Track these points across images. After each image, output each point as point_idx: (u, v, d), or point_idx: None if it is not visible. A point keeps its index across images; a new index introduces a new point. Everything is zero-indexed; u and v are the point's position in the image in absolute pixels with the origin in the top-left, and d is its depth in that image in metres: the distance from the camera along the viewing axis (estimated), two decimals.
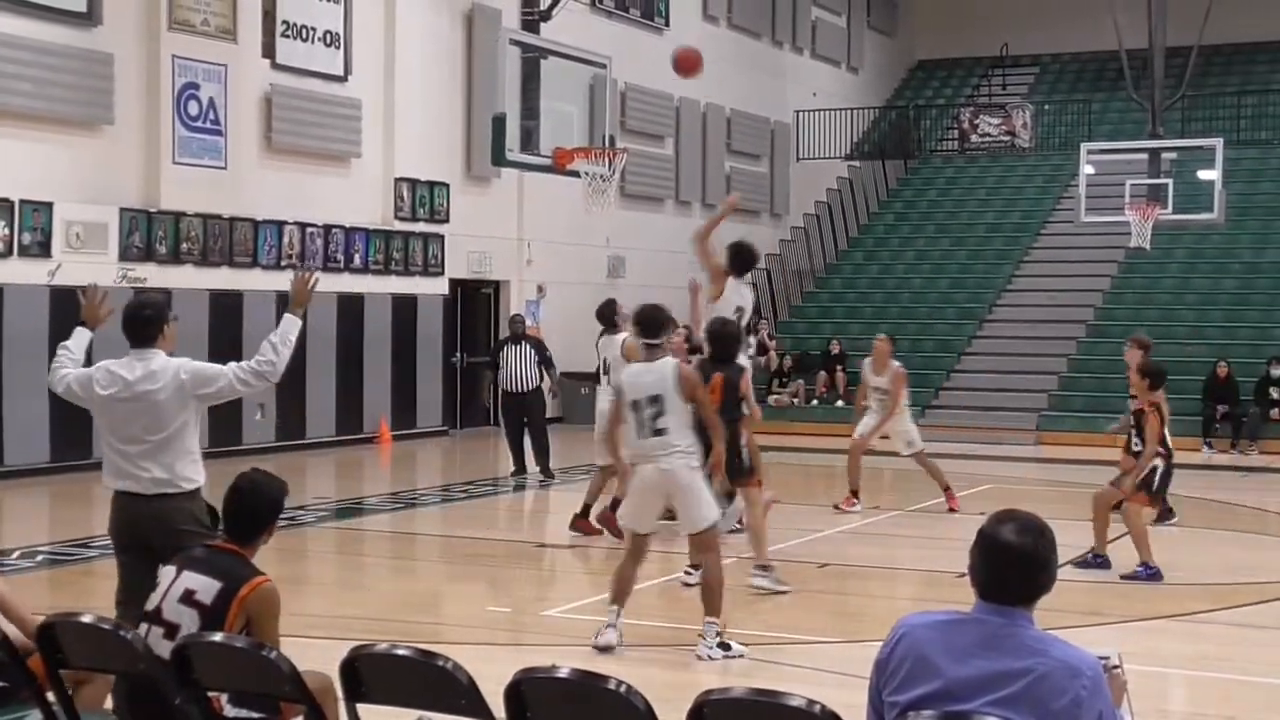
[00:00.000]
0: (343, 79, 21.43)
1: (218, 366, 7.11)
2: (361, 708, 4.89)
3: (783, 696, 4.08)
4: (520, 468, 17.61)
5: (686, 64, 14.73)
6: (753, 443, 11.03)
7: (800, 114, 32.82)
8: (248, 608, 5.24)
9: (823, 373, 25.87)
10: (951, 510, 14.83)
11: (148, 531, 6.89)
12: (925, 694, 3.91)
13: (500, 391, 18.06)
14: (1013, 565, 3.96)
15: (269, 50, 20.29)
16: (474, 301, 24.54)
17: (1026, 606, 3.97)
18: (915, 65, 38.49)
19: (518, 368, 17.35)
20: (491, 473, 19.57)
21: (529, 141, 15.41)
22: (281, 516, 5.70)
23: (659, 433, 8.81)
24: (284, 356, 7.07)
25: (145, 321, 7.19)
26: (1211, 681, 8.70)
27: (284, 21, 20.43)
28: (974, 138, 32.89)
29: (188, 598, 5.27)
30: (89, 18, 17.92)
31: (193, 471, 6.98)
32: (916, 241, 30.83)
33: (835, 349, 25.95)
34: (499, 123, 15.05)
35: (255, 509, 5.54)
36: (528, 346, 17.64)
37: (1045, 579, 3.97)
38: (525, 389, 17.36)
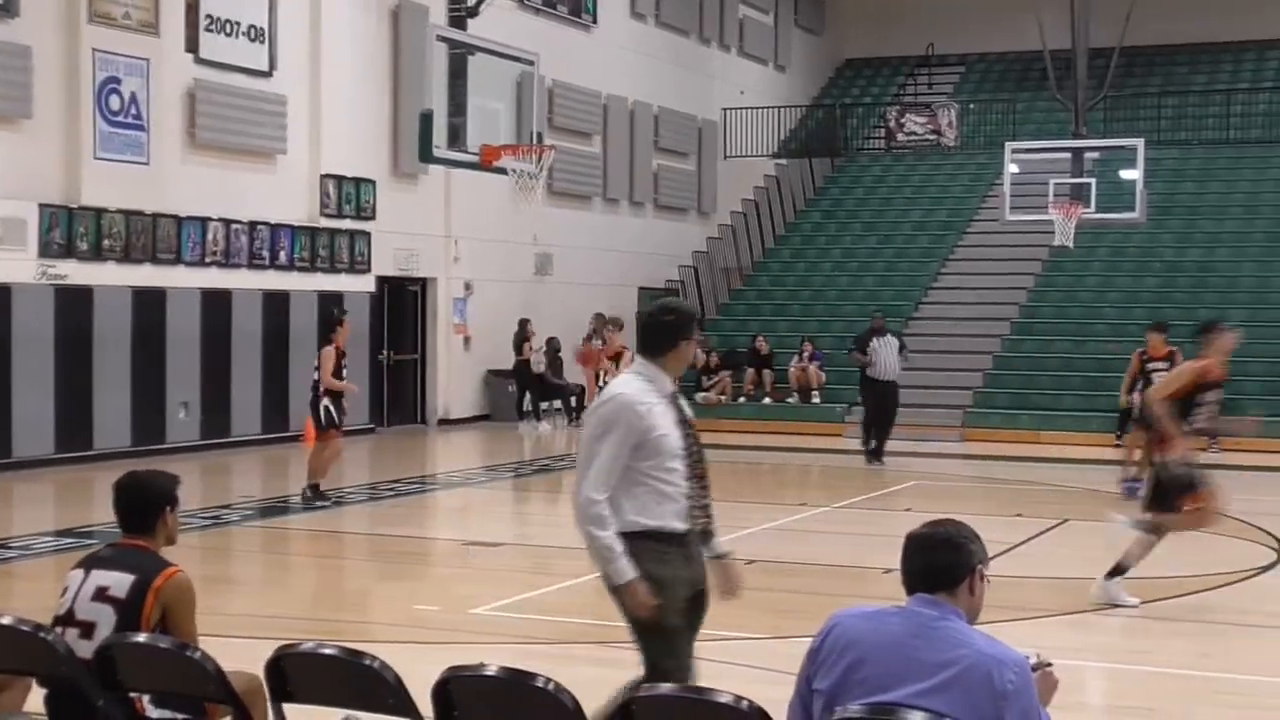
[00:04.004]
0: (268, 74, 21.25)
1: (604, 448, 5.65)
2: (288, 708, 4.86)
3: (710, 693, 4.09)
4: (876, 451, 19.17)
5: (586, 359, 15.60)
6: None
7: (727, 111, 32.91)
8: (163, 598, 5.19)
9: (750, 370, 25.96)
10: None
11: None
12: (852, 683, 3.95)
13: (866, 378, 19.57)
14: (930, 548, 4.09)
15: (192, 44, 20.07)
16: (401, 299, 24.43)
17: (952, 595, 4.03)
18: (842, 64, 38.68)
19: (887, 357, 19.06)
20: (419, 470, 19.50)
21: (456, 138, 15.37)
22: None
23: None
24: (581, 525, 5.65)
25: (661, 329, 5.89)
26: (1131, 674, 8.81)
27: (207, 15, 20.21)
28: (900, 136, 33.12)
29: (100, 594, 5.21)
30: (6, 9, 17.65)
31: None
32: (843, 239, 30.99)
33: (762, 347, 26.03)
34: (426, 119, 15.00)
35: (144, 501, 5.46)
36: (892, 338, 19.34)
37: (961, 559, 4.07)
38: (892, 377, 19.15)
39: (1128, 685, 8.59)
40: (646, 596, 5.53)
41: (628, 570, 5.52)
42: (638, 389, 5.72)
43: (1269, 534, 13.69)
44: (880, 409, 19.34)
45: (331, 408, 15.17)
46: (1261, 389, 23.03)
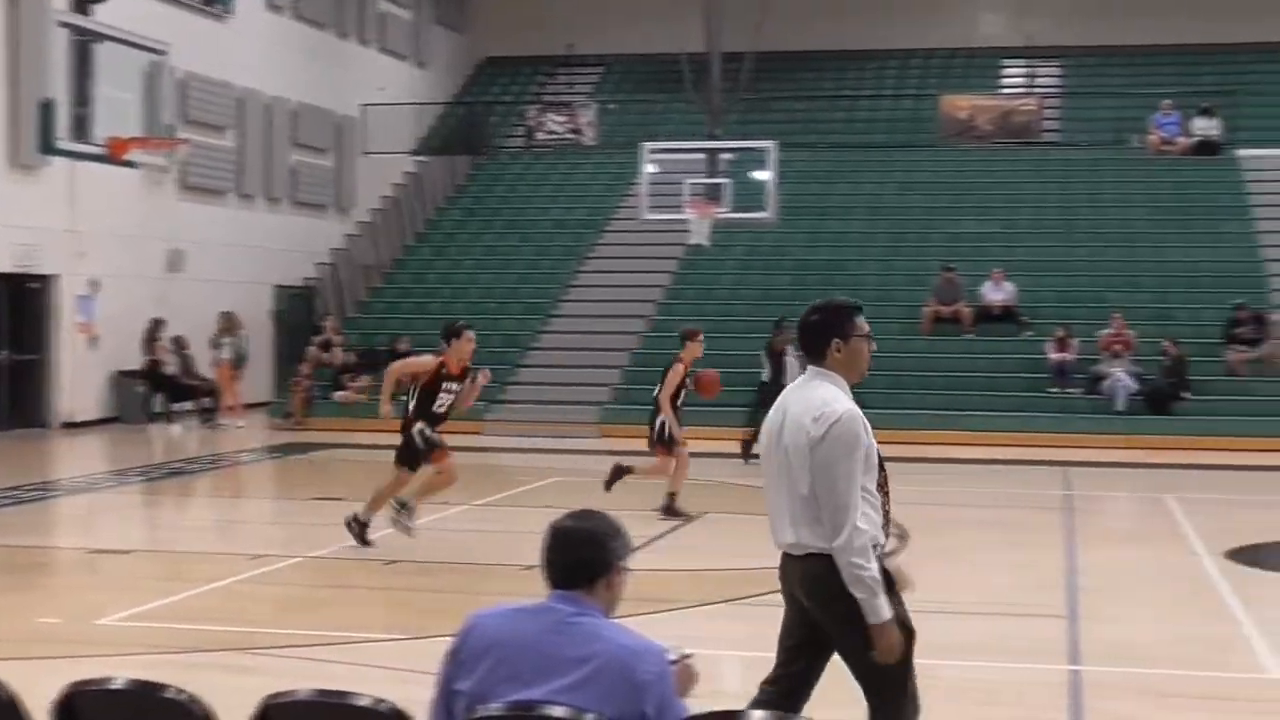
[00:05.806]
0: None
1: (852, 469, 5.18)
2: None
3: (350, 696, 4.03)
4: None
5: (709, 386, 15.14)
6: None
7: (367, 107, 32.55)
8: None
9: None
10: None
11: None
12: (494, 682, 3.94)
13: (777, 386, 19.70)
14: (571, 546, 4.12)
15: None
16: (20, 296, 23.21)
17: (592, 591, 4.06)
18: (484, 61, 38.74)
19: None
20: (41, 476, 18.60)
21: (81, 129, 14.79)
22: None
23: None
24: (846, 555, 5.19)
25: (813, 330, 5.43)
26: (764, 661, 9.08)
27: None
28: (540, 135, 33.39)
29: None
30: None
31: None
32: (484, 237, 31.05)
33: (401, 346, 25.79)
34: (46, 109, 14.40)
35: None
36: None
37: (602, 555, 4.11)
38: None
39: (760, 671, 8.85)
40: (898, 637, 5.18)
41: (886, 608, 5.12)
42: (848, 400, 5.27)
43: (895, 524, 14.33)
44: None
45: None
46: (885, 382, 24.14)
